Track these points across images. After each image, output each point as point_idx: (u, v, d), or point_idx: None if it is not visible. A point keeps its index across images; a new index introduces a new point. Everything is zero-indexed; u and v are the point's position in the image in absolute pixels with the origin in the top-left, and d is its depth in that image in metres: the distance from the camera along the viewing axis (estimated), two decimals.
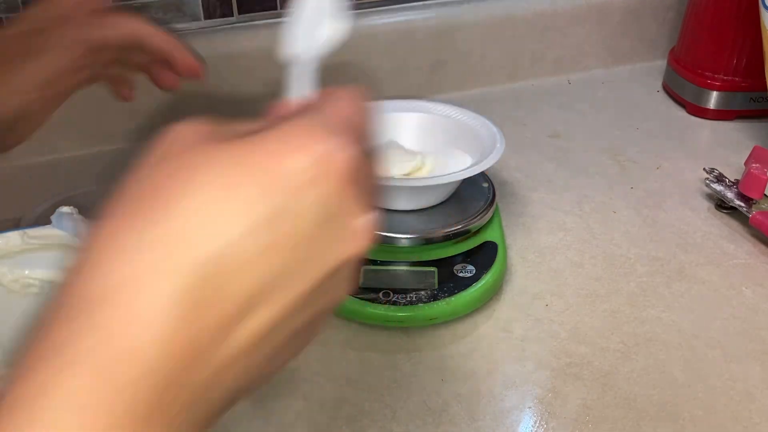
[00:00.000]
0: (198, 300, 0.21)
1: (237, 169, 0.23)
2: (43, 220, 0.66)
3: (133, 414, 0.20)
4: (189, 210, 0.22)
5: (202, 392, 0.22)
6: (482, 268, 0.55)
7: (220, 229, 0.22)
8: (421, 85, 0.88)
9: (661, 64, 0.93)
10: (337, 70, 0.83)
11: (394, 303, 0.53)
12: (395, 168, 0.60)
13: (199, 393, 0.22)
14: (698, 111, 0.84)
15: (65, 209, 0.43)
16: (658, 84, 0.92)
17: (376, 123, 0.27)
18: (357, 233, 0.24)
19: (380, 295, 0.53)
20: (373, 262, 0.55)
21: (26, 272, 0.44)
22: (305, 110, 0.25)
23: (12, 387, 0.20)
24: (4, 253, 0.43)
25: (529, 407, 0.48)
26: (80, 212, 0.43)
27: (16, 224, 0.66)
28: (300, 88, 0.30)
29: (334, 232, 0.24)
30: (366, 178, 0.25)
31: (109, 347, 0.20)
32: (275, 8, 0.82)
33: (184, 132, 0.25)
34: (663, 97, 0.90)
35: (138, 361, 0.20)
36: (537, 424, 0.47)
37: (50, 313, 0.21)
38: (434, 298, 0.53)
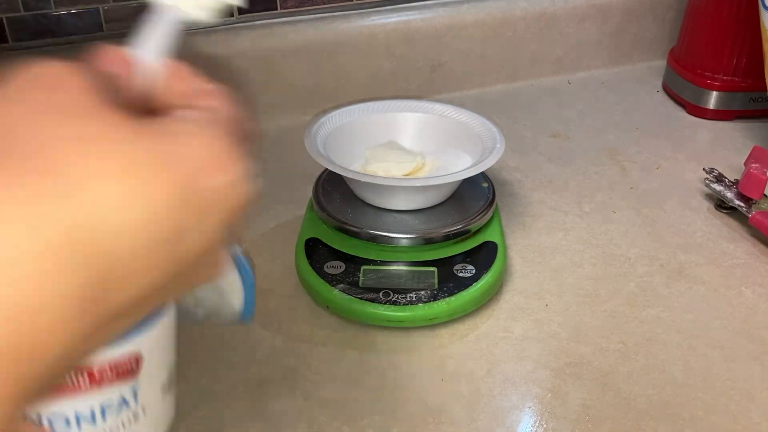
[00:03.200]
0: (90, 291, 0.19)
1: (159, 165, 0.21)
2: None
3: None
4: (93, 187, 0.19)
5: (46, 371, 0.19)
6: (482, 268, 0.55)
7: (124, 212, 0.20)
8: (421, 85, 0.88)
9: (661, 64, 0.93)
10: (338, 71, 0.83)
11: (394, 303, 0.53)
12: (395, 168, 0.60)
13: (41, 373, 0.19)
14: (698, 111, 0.84)
15: None
16: (658, 84, 0.92)
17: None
18: (217, 262, 0.25)
19: (380, 295, 0.53)
20: (373, 262, 0.55)
21: None
22: (207, 120, 0.25)
23: None
24: None
25: (529, 407, 0.48)
26: None
27: None
28: (152, 45, 0.26)
29: (212, 256, 0.24)
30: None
31: None
32: (275, 8, 0.82)
33: (71, 79, 0.22)
34: (663, 97, 0.90)
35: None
36: (537, 424, 0.47)
37: None
38: (434, 298, 0.53)
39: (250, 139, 0.26)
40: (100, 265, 0.19)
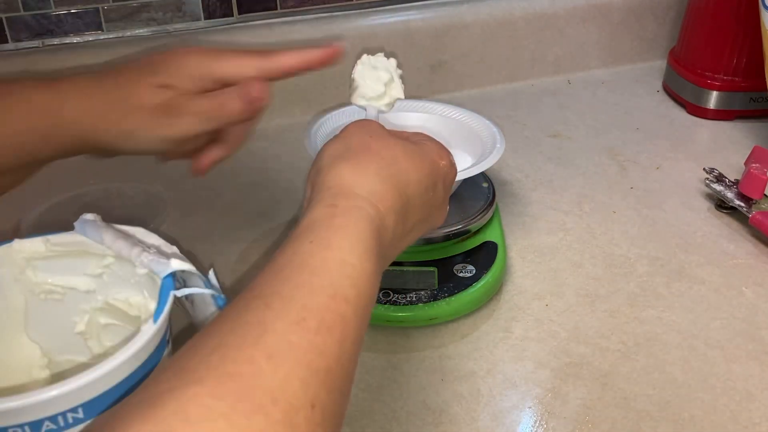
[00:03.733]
0: (404, 213, 0.39)
1: (422, 157, 0.42)
2: (43, 220, 0.66)
3: (371, 246, 0.35)
4: (403, 167, 0.40)
5: (385, 247, 0.37)
6: (482, 268, 0.55)
7: (414, 184, 0.40)
8: (421, 85, 0.88)
9: (661, 64, 0.93)
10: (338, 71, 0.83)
11: (394, 303, 0.53)
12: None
13: (385, 246, 0.37)
14: (698, 111, 0.84)
15: (89, 216, 0.43)
16: (658, 84, 0.92)
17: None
18: (444, 214, 0.46)
19: (380, 295, 0.53)
20: None
21: (49, 279, 0.43)
22: (431, 139, 0.46)
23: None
24: (29, 257, 0.43)
25: (529, 407, 0.48)
26: (78, 212, 0.43)
27: (16, 224, 0.66)
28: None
29: (441, 209, 0.45)
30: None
31: (370, 219, 0.36)
32: (275, 8, 0.82)
33: (373, 124, 0.43)
34: (663, 97, 0.90)
35: (374, 227, 0.36)
36: (537, 424, 0.47)
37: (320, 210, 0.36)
38: (434, 298, 0.53)
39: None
40: (403, 199, 0.39)
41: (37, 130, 0.45)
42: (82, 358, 0.46)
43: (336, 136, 0.42)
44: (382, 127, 0.43)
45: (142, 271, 0.40)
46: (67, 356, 0.45)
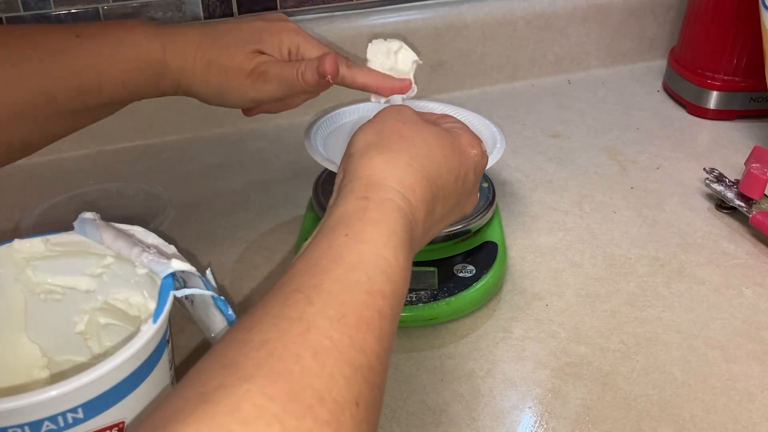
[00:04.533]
0: (433, 203, 0.39)
1: (452, 147, 0.42)
2: (43, 220, 0.66)
3: (404, 240, 0.35)
4: (433, 155, 0.40)
5: (416, 240, 0.38)
6: (482, 268, 0.55)
7: (445, 171, 0.40)
8: (421, 85, 0.88)
9: (661, 64, 0.93)
10: None
11: None
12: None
13: (415, 239, 0.38)
14: (698, 111, 0.84)
15: (88, 215, 0.43)
16: (658, 84, 0.92)
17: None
18: (474, 201, 0.46)
19: None
20: None
21: (49, 279, 0.43)
22: (464, 127, 0.45)
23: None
24: (29, 257, 0.43)
25: (529, 407, 0.48)
26: (78, 212, 0.43)
27: (16, 224, 0.66)
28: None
29: (471, 197, 0.45)
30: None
31: (402, 212, 0.36)
32: (275, 8, 0.82)
33: (409, 113, 0.43)
34: (663, 97, 0.90)
35: (406, 220, 0.36)
36: (537, 424, 0.47)
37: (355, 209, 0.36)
38: (434, 298, 0.53)
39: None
40: (434, 190, 0.39)
41: (144, 72, 0.51)
42: (82, 358, 0.46)
43: (369, 121, 0.42)
44: (415, 112, 0.43)
45: (141, 271, 0.40)
46: (66, 356, 0.45)
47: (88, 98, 0.50)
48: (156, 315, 0.36)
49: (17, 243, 0.42)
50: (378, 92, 0.55)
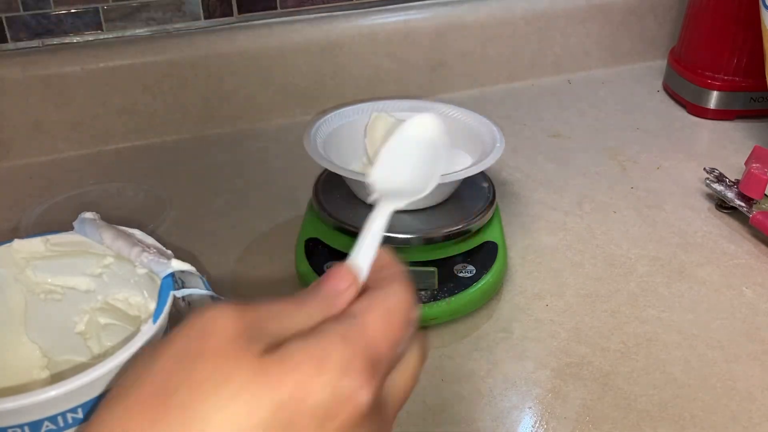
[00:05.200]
0: None
1: (263, 391, 0.23)
2: (43, 220, 0.66)
3: None
4: (209, 424, 0.22)
5: None
6: (482, 268, 0.55)
7: None
8: (421, 85, 0.88)
9: (661, 64, 0.93)
10: (338, 71, 0.83)
11: None
12: None
13: None
14: (698, 111, 0.84)
15: (88, 215, 0.43)
16: (658, 84, 0.92)
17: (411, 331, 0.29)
18: None
19: None
20: None
21: (49, 279, 0.43)
22: (352, 319, 0.26)
23: None
24: (29, 257, 0.43)
25: (529, 407, 0.48)
26: (78, 212, 0.43)
27: (16, 224, 0.66)
28: (363, 255, 0.31)
29: None
30: (372, 423, 0.25)
31: None
32: (275, 8, 0.82)
33: (220, 326, 0.25)
34: (663, 97, 0.90)
35: None
36: (537, 424, 0.47)
37: None
38: (434, 298, 0.53)
39: (391, 360, 0.27)
40: None
41: None
42: (82, 358, 0.45)
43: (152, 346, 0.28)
44: (230, 331, 0.24)
45: (141, 270, 0.40)
46: (66, 356, 0.45)
47: None
48: (156, 315, 0.36)
49: (17, 243, 0.42)
50: None
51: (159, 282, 0.38)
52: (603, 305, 0.57)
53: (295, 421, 0.23)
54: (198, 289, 0.39)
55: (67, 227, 0.43)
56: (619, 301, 0.57)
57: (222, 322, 0.24)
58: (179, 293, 0.39)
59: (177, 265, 0.38)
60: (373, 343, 0.26)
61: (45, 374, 0.45)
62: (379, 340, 0.26)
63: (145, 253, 0.39)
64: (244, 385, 0.23)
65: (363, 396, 0.24)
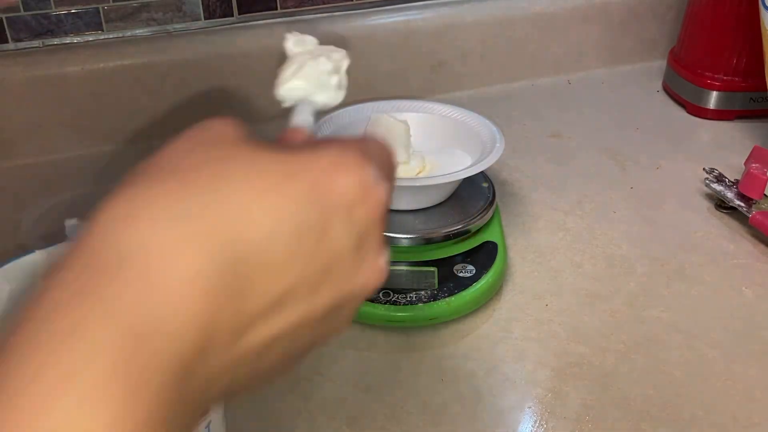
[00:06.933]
0: (226, 285, 0.21)
1: (286, 176, 0.23)
2: (43, 220, 0.66)
3: (139, 395, 0.18)
4: (231, 195, 0.22)
5: (204, 387, 0.21)
6: (482, 268, 0.55)
7: (258, 223, 0.22)
8: (421, 85, 0.88)
9: (661, 64, 0.93)
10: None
11: (394, 303, 0.53)
12: (400, 170, 0.60)
13: (201, 387, 0.21)
14: (698, 111, 0.84)
15: (72, 221, 0.42)
16: (658, 84, 0.92)
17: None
18: (375, 270, 0.26)
19: (380, 295, 0.53)
20: None
21: None
22: (343, 140, 0.26)
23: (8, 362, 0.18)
24: (33, 274, 0.42)
25: (529, 407, 0.48)
26: (79, 212, 0.43)
27: (16, 224, 0.66)
28: (302, 119, 0.32)
29: (358, 262, 0.25)
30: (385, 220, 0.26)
31: (123, 318, 0.18)
32: (275, 8, 0.82)
33: (226, 126, 0.25)
34: (663, 97, 0.90)
35: (156, 335, 0.19)
36: (537, 424, 0.47)
37: (55, 283, 0.20)
38: (434, 298, 0.53)
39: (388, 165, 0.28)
40: (227, 251, 0.21)
41: None
42: None
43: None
44: (237, 130, 0.25)
45: None
46: None
47: None
48: None
49: (30, 257, 0.41)
50: None
51: None
52: (603, 305, 0.57)
53: (326, 209, 0.23)
54: None
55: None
56: (619, 301, 0.57)
57: (232, 124, 0.25)
58: None
59: None
60: (379, 157, 0.26)
61: None
62: (384, 159, 0.27)
63: None
64: (271, 175, 0.23)
65: (383, 188, 0.25)
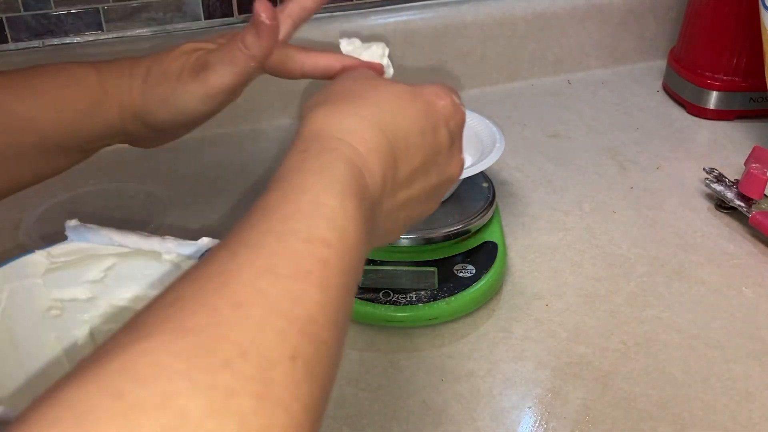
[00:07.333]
0: (390, 155, 0.35)
1: (412, 96, 0.38)
2: (43, 220, 0.66)
3: (351, 187, 0.31)
4: (385, 106, 0.36)
5: (380, 219, 0.36)
6: (482, 268, 0.55)
7: (401, 124, 0.36)
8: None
9: (661, 64, 0.93)
10: None
11: (394, 303, 0.53)
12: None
13: (380, 217, 0.35)
14: (698, 111, 0.84)
15: (73, 222, 0.42)
16: (658, 84, 0.92)
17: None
18: (459, 162, 0.41)
19: (380, 295, 0.53)
20: (373, 262, 0.55)
21: (53, 293, 0.43)
22: (436, 83, 0.42)
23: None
24: (33, 274, 0.42)
25: (529, 407, 0.48)
26: (79, 212, 0.43)
27: (16, 224, 0.66)
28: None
29: (451, 155, 0.40)
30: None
31: (347, 163, 0.32)
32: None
33: (367, 71, 0.43)
34: (663, 97, 0.90)
35: (366, 174, 0.33)
36: (537, 424, 0.47)
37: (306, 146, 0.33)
38: (434, 298, 0.53)
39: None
40: (390, 140, 0.35)
41: (80, 100, 0.47)
42: None
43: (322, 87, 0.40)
44: (372, 73, 0.42)
45: (168, 256, 0.40)
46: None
47: (22, 139, 0.47)
48: None
49: (32, 257, 0.42)
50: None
51: (186, 267, 0.38)
52: (603, 305, 0.57)
53: (435, 119, 0.38)
54: None
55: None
56: (618, 301, 0.57)
57: (363, 71, 0.43)
58: None
59: (209, 241, 0.39)
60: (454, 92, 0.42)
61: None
62: (456, 94, 0.42)
63: (168, 240, 0.39)
64: (405, 95, 0.38)
65: (463, 110, 0.42)
